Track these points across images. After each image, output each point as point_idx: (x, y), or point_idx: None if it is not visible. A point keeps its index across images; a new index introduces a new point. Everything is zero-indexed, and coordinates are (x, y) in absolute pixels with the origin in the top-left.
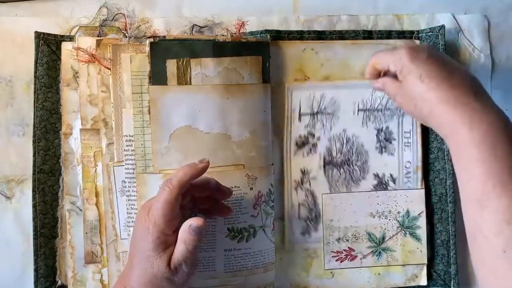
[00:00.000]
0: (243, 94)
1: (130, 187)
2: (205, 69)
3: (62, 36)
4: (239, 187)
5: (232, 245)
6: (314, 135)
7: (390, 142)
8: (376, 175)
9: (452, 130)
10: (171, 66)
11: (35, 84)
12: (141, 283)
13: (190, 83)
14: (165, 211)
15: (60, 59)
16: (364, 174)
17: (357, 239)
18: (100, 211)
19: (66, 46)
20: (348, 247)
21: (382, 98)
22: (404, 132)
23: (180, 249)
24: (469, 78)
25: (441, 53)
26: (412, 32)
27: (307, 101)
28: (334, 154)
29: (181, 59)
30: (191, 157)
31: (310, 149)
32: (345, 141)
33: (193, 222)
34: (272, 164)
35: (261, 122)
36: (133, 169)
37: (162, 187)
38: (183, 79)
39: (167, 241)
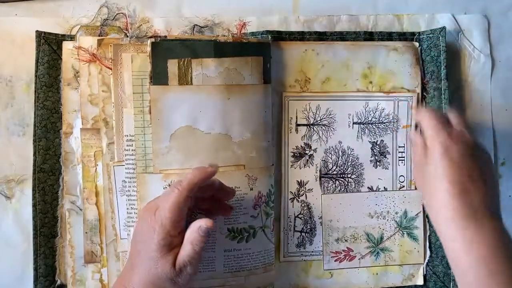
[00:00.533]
0: (244, 95)
1: (130, 187)
2: (206, 69)
3: (63, 35)
4: (239, 187)
5: (232, 246)
6: (311, 147)
7: (385, 156)
8: (370, 188)
9: (451, 246)
10: (172, 66)
11: (35, 83)
12: (143, 283)
13: (191, 83)
14: (174, 213)
15: (61, 58)
16: (359, 187)
17: (355, 240)
18: (100, 210)
19: (67, 45)
20: (347, 247)
21: (375, 111)
22: (399, 146)
23: (186, 249)
24: (486, 195)
25: (476, 155)
26: (413, 33)
27: (304, 112)
28: (330, 166)
29: (183, 59)
30: (191, 157)
31: (307, 161)
32: (340, 153)
33: (202, 223)
34: (273, 164)
35: (262, 123)
36: (134, 169)
37: (171, 189)
38: (184, 79)
39: (172, 242)
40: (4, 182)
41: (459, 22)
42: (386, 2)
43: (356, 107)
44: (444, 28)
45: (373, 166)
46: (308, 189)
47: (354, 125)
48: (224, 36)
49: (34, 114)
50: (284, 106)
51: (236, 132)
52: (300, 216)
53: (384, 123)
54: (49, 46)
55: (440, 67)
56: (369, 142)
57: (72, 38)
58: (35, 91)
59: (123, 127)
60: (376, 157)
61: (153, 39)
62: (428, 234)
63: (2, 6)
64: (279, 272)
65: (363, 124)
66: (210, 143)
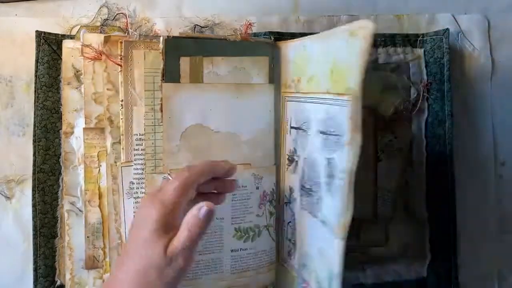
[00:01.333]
0: (251, 94)
1: (138, 188)
2: (217, 67)
3: (63, 35)
4: (246, 186)
5: (239, 245)
6: (296, 152)
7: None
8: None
9: None
10: (184, 63)
11: (35, 83)
12: (132, 271)
13: (202, 81)
14: (178, 192)
15: (61, 58)
16: (317, 212)
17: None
18: (103, 213)
19: (67, 45)
20: (307, 279)
21: (332, 119)
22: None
23: (182, 235)
24: None
25: None
26: (417, 35)
27: (297, 114)
28: (305, 178)
29: (194, 57)
30: (200, 156)
31: (295, 167)
32: (311, 165)
33: (204, 205)
34: (275, 164)
35: (267, 122)
36: (142, 169)
37: (182, 170)
38: (195, 77)
39: (169, 224)
40: (4, 182)
41: (459, 22)
42: (386, 2)
43: (320, 112)
44: (447, 29)
45: (327, 190)
46: (294, 198)
47: (320, 134)
48: (232, 35)
49: (34, 114)
50: (283, 106)
51: (244, 131)
52: (290, 224)
53: (338, 135)
54: (49, 46)
55: (443, 69)
56: (325, 158)
57: (72, 38)
58: (35, 91)
59: (133, 126)
60: (328, 178)
61: (165, 36)
62: None
63: (2, 6)
64: (279, 272)
65: (325, 134)
66: (219, 141)
